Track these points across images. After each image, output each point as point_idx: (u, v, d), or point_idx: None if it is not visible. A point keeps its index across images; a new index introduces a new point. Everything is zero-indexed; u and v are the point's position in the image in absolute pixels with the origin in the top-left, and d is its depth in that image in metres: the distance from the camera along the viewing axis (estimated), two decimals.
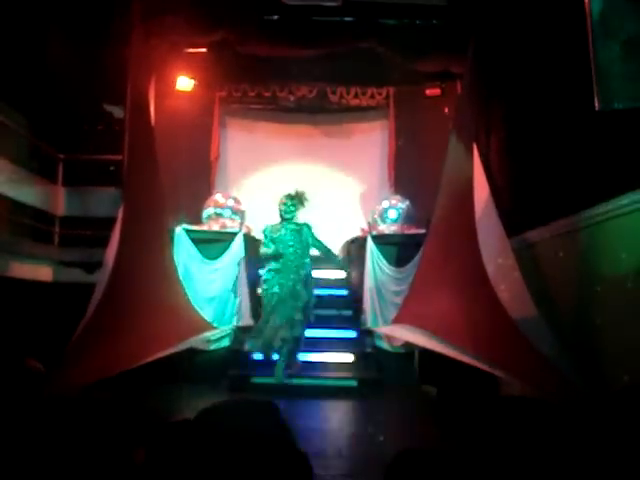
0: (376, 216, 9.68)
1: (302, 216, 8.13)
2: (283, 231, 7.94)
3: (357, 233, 9.84)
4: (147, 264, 6.71)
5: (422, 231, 8.48)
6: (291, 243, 7.87)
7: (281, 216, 8.00)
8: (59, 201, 9.07)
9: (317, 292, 8.27)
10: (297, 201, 7.95)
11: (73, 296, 7.53)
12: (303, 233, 7.96)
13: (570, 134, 5.91)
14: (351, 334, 8.84)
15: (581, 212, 5.56)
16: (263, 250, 8.00)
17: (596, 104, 4.52)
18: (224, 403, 2.28)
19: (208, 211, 9.50)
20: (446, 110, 10.02)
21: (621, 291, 4.90)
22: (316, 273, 8.40)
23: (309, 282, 7.94)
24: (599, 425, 3.50)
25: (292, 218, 7.96)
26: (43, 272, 8.53)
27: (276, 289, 7.78)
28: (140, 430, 2.36)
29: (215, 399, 7.54)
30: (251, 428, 2.14)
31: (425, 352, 7.70)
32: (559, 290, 6.13)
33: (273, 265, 7.88)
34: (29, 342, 7.48)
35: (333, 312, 8.59)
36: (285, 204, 7.95)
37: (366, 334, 8.77)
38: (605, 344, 5.16)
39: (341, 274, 9.90)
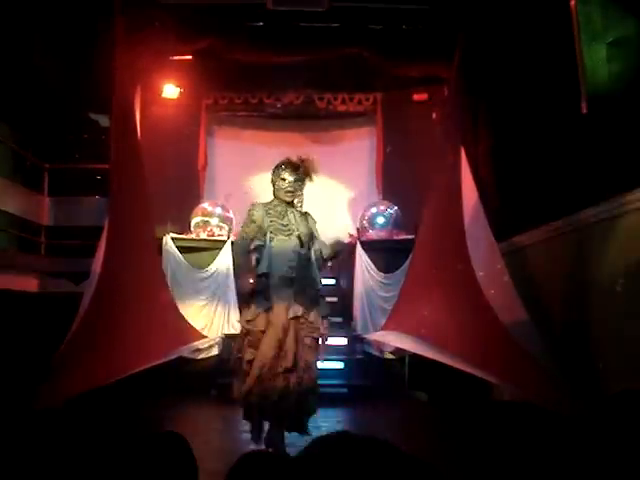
0: (365, 222, 9.65)
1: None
2: (291, 216, 5.05)
3: (346, 239, 9.81)
4: (134, 273, 6.66)
5: (411, 237, 8.46)
6: (305, 239, 5.00)
7: (277, 197, 5.12)
8: (45, 211, 9.02)
9: None
10: (301, 174, 5.08)
11: (60, 307, 7.45)
12: (310, 225, 5.11)
13: (558, 137, 5.90)
14: (341, 341, 8.80)
15: (570, 215, 5.55)
16: (244, 237, 5.04)
17: (583, 107, 4.52)
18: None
19: (196, 219, 9.45)
20: (434, 115, 10.01)
21: (611, 294, 4.89)
22: None
23: (321, 304, 5.03)
24: (592, 430, 3.49)
25: (295, 200, 5.16)
26: (29, 282, 8.45)
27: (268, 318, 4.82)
28: (124, 442, 2.32)
29: (203, 409, 7.46)
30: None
31: (415, 358, 7.67)
32: (549, 294, 6.11)
33: (263, 268, 4.87)
34: (15, 354, 7.42)
35: None
36: (284, 178, 5.04)
37: (356, 341, 8.73)
38: (596, 348, 5.15)
39: (330, 281, 9.86)
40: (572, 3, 4.83)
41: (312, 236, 5.04)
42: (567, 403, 4.63)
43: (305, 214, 5.14)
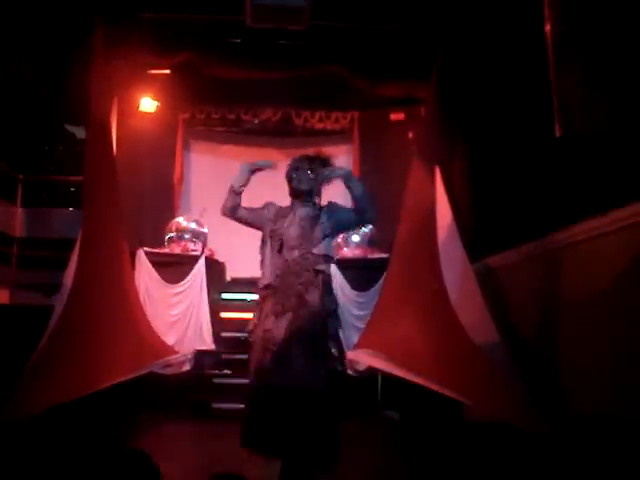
0: (339, 240, 9.65)
1: None
2: (290, 218, 4.49)
3: None
4: (106, 287, 6.59)
5: (385, 255, 8.46)
6: (295, 242, 4.36)
7: (293, 193, 4.65)
8: (17, 222, 8.93)
9: None
10: (319, 166, 4.54)
11: (31, 319, 7.37)
12: (322, 222, 4.44)
13: (532, 159, 5.96)
14: None
15: (542, 238, 5.59)
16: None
17: (556, 130, 4.57)
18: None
19: (170, 234, 9.40)
20: (410, 135, 10.06)
21: (583, 316, 4.92)
22: None
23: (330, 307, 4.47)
24: (563, 452, 3.50)
25: (310, 193, 4.55)
26: (0, 294, 8.36)
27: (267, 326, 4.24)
28: (94, 457, 2.29)
29: (175, 426, 7.37)
30: None
31: (388, 377, 7.66)
32: (522, 315, 6.14)
33: (264, 279, 4.39)
34: None
35: None
36: (297, 170, 4.57)
37: None
38: (568, 370, 5.17)
39: None
40: (547, 28, 4.90)
41: (321, 235, 4.39)
42: (537, 423, 4.65)
43: (317, 214, 4.49)
